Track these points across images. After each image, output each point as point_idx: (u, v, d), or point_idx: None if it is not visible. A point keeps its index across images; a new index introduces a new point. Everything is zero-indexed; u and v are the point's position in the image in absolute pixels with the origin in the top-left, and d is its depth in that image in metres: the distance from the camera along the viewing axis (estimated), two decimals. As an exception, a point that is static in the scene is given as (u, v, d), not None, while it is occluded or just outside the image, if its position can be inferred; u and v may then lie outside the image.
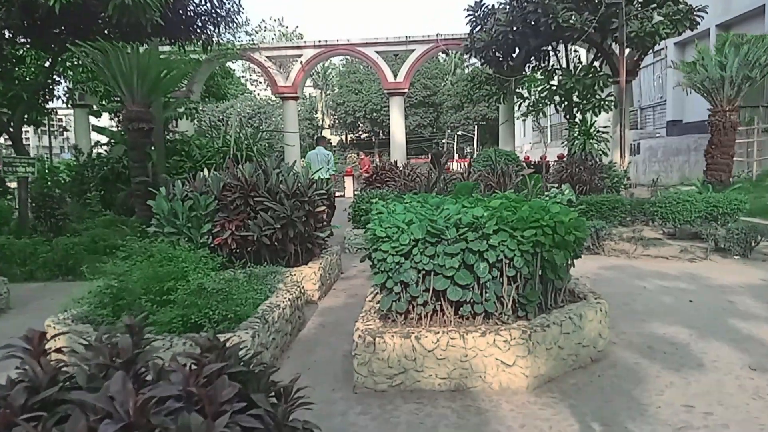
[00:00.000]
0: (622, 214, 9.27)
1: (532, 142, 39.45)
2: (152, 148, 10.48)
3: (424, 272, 3.78)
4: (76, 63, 16.24)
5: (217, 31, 12.63)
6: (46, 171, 13.56)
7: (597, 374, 3.87)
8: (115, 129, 16.65)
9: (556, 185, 9.88)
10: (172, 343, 3.68)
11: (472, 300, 3.77)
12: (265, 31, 50.35)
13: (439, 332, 3.63)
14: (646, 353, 4.25)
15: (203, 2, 11.94)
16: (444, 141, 52.41)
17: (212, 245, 6.10)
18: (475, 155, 40.87)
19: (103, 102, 19.06)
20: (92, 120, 21.08)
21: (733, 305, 5.52)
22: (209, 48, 13.16)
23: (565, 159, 16.51)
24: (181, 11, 11.54)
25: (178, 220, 6.09)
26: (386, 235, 3.85)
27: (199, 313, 3.86)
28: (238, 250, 6.21)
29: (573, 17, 13.81)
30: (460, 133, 51.14)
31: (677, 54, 22.38)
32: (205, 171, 7.01)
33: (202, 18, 12.14)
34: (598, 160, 12.16)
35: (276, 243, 6.21)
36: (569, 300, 4.34)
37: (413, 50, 20.36)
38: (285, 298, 4.74)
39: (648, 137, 23.41)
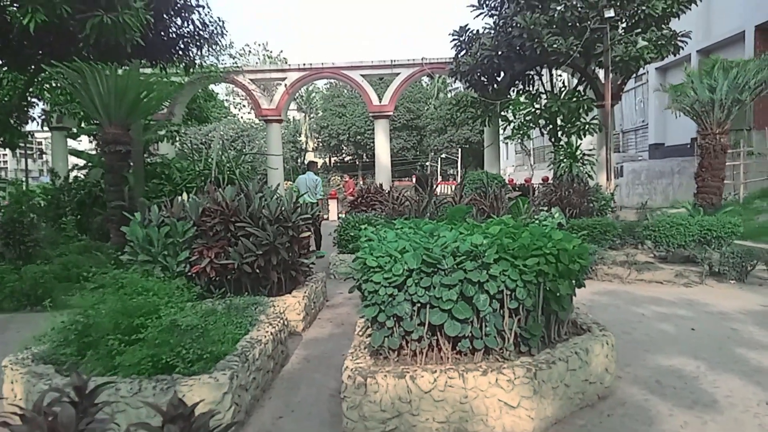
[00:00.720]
0: (614, 237, 9.09)
1: (515, 164, 39.56)
2: (130, 171, 10.12)
3: (419, 305, 3.49)
4: (54, 85, 15.87)
5: (200, 53, 12.38)
6: (21, 195, 13.09)
7: (606, 414, 3.58)
8: (93, 152, 16.23)
9: (545, 208, 9.69)
10: (140, 387, 3.33)
11: (471, 335, 3.48)
12: (249, 54, 50.30)
13: (436, 371, 3.32)
14: (654, 389, 3.97)
15: (186, 24, 11.70)
16: (428, 164, 52.45)
17: (190, 274, 5.76)
18: (458, 178, 40.87)
19: (83, 124, 18.63)
20: (72, 143, 20.63)
21: (736, 333, 5.29)
22: (192, 70, 12.91)
23: (550, 182, 16.44)
24: (162, 33, 11.29)
25: (154, 248, 5.74)
26: (378, 264, 3.56)
27: (171, 353, 3.51)
28: (217, 279, 5.87)
29: (558, 42, 13.82)
30: (443, 155, 51.26)
31: (659, 79, 22.62)
32: (184, 195, 6.69)
33: (185, 40, 11.90)
34: (584, 183, 12.03)
35: (258, 271, 5.88)
36: (572, 332, 4.07)
37: (398, 73, 20.30)
38: (267, 332, 4.41)
39: (631, 160, 23.53)
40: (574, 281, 3.74)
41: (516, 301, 3.51)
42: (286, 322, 5.02)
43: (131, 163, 9.65)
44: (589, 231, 8.54)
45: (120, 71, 9.04)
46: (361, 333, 4.10)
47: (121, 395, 3.38)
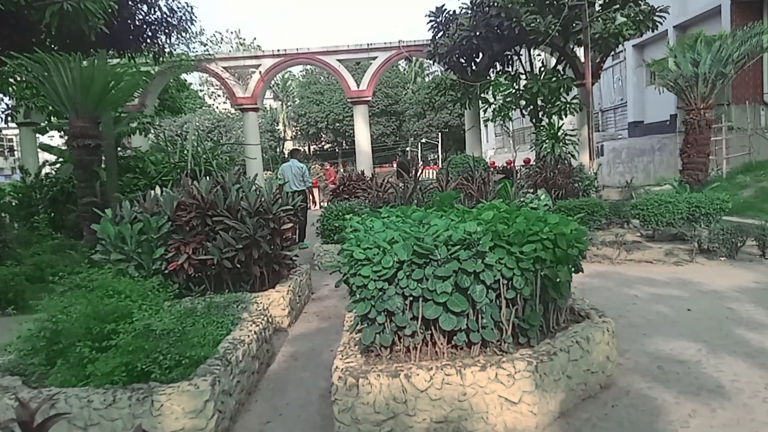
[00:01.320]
0: (601, 218, 8.97)
1: (495, 147, 39.49)
2: (101, 165, 9.73)
3: (411, 298, 3.28)
4: (19, 79, 15.26)
5: (168, 41, 11.93)
6: (-11, 194, 12.59)
7: (610, 405, 3.42)
8: (64, 147, 15.69)
9: (531, 190, 9.54)
10: (115, 398, 3.08)
11: (467, 327, 3.28)
12: (222, 43, 49.37)
13: (432, 368, 3.12)
14: (657, 376, 3.82)
15: (153, 11, 11.25)
16: (408, 149, 52.21)
17: (166, 272, 5.48)
18: (439, 163, 40.65)
19: (51, 119, 18.00)
20: (44, 138, 19.92)
21: (733, 312, 5.18)
22: (161, 59, 12.45)
23: (532, 163, 16.32)
24: (129, 20, 10.83)
25: (126, 245, 5.45)
26: (366, 257, 3.33)
27: (147, 359, 3.26)
28: (196, 276, 5.61)
29: (536, 21, 13.60)
30: (423, 140, 51.02)
31: (636, 56, 22.57)
32: (157, 189, 6.37)
33: (152, 27, 11.44)
34: (568, 163, 11.90)
35: (239, 266, 5.62)
36: (571, 320, 3.90)
37: (375, 57, 19.92)
38: (251, 330, 4.17)
39: (611, 139, 23.53)
40: (572, 266, 3.56)
41: (513, 290, 3.31)
42: (270, 319, 4.78)
43: (102, 157, 9.27)
44: (576, 212, 8.40)
45: (85, 62, 8.63)
46: (349, 329, 3.88)
47: (94, 407, 3.14)
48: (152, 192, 5.92)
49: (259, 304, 5.09)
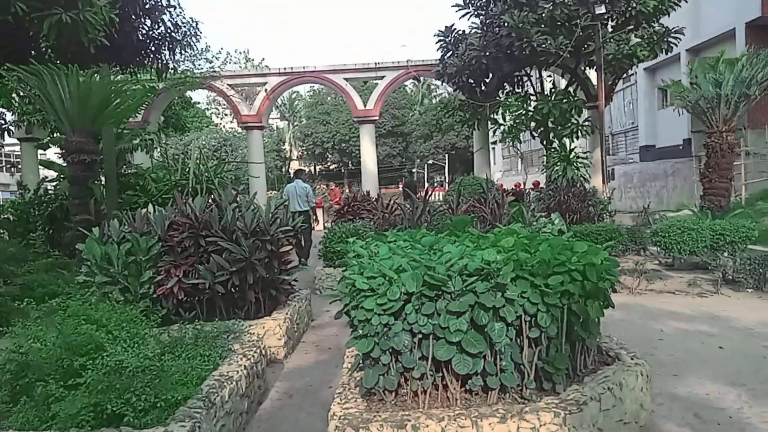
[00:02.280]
0: (619, 244, 8.55)
1: (503, 169, 39.18)
2: (97, 182, 9.41)
3: (420, 336, 2.87)
4: (22, 93, 15.10)
5: (172, 56, 11.69)
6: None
7: (647, 462, 2.98)
8: (65, 164, 15.43)
9: (544, 214, 9.13)
10: (77, 447, 2.67)
11: (484, 370, 2.87)
12: (230, 62, 49.54)
13: (443, 418, 2.70)
14: (695, 426, 3.38)
15: (156, 25, 11.02)
16: (414, 170, 51.97)
17: (155, 296, 5.09)
18: (446, 185, 40.31)
19: (54, 134, 17.80)
20: (50, 154, 19.76)
21: (771, 352, 4.73)
22: (165, 75, 12.22)
23: (542, 186, 15.93)
24: (132, 34, 10.59)
25: (113, 267, 5.06)
26: (370, 287, 2.93)
27: (118, 400, 2.85)
28: (187, 301, 5.21)
29: (547, 41, 13.33)
30: (430, 162, 50.78)
31: (647, 79, 22.30)
32: (150, 207, 6.01)
33: (156, 42, 11.21)
34: (581, 186, 11.51)
35: (233, 290, 5.23)
36: (599, 360, 3.47)
37: (383, 77, 19.70)
38: (241, 365, 3.75)
39: (622, 163, 23.15)
40: (603, 302, 3.14)
41: (537, 328, 2.90)
42: (263, 351, 4.37)
43: (99, 174, 8.96)
44: (593, 238, 7.98)
45: (83, 75, 8.36)
46: (350, 366, 3.46)
47: (55, 456, 2.73)
48: (142, 210, 5.55)
49: (252, 335, 4.69)
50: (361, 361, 3.01)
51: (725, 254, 7.51)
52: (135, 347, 3.32)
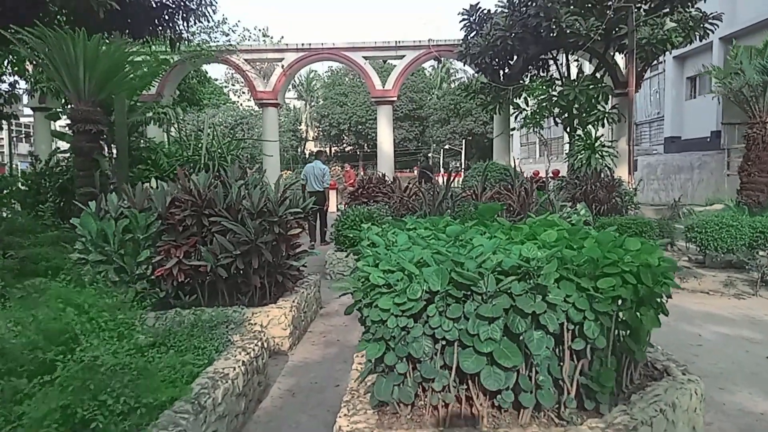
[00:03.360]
0: (651, 239, 8.04)
1: (521, 157, 38.45)
2: (104, 154, 9.08)
3: (444, 342, 2.46)
4: (35, 62, 14.79)
5: (186, 26, 11.25)
6: (-2, 181, 12.07)
7: (703, 498, 2.55)
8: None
9: (569, 204, 8.65)
10: (40, 458, 2.30)
11: (517, 385, 2.45)
12: (249, 40, 48.99)
13: (468, 440, 2.29)
14: (755, 454, 2.95)
15: (170, -8, 10.57)
16: (430, 155, 51.28)
17: (153, 277, 4.73)
18: (462, 170, 39.64)
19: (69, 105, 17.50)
20: (62, 125, 19.51)
21: (826, 365, 4.26)
22: (178, 45, 11.79)
23: (562, 175, 15.37)
24: (144, 1, 10.16)
25: (108, 245, 4.70)
26: (386, 282, 2.51)
27: (92, 402, 2.48)
28: (188, 283, 4.84)
29: (578, 22, 12.69)
30: (446, 147, 50.06)
31: (676, 68, 21.49)
32: (153, 182, 5.64)
33: (170, 10, 10.76)
34: (610, 176, 10.95)
35: (237, 274, 4.85)
36: (644, 374, 3.03)
37: (403, 56, 19.07)
38: (239, 360, 3.36)
39: (645, 154, 22.44)
40: (658, 310, 2.70)
41: (583, 339, 2.47)
42: (266, 344, 3.98)
43: (103, 145, 8.62)
44: (622, 231, 7.48)
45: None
46: (359, 369, 3.06)
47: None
48: (144, 184, 5.16)
49: (255, 324, 4.31)
50: (373, 368, 2.61)
51: (763, 253, 7.01)
52: (118, 339, 2.95)
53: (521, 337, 2.40)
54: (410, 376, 2.52)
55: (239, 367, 3.32)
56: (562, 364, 2.53)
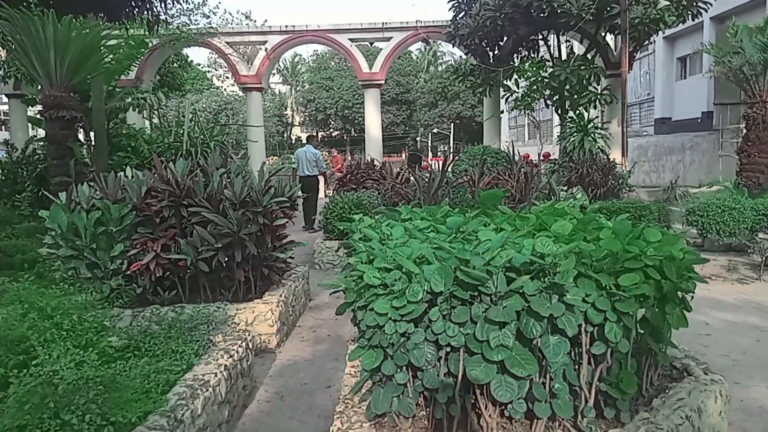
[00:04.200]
0: (648, 223, 7.82)
1: (509, 140, 38.20)
2: (78, 142, 8.69)
3: (449, 348, 2.19)
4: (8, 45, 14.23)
5: (164, 7, 10.81)
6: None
7: None
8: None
9: (564, 188, 8.40)
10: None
11: (531, 394, 2.19)
12: (231, 24, 48.07)
13: (477, 459, 2.03)
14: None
15: (147, -28, 10.13)
16: (418, 138, 50.93)
17: (128, 272, 4.42)
18: (450, 153, 39.34)
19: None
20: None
21: (841, 355, 4.07)
22: (156, 28, 11.35)
23: (553, 158, 15.14)
24: (119, -19, 9.73)
25: (79, 239, 4.37)
26: (382, 282, 2.24)
27: (52, 422, 2.19)
28: (167, 278, 4.54)
29: (569, 2, 12.37)
30: (434, 130, 49.69)
31: (666, 49, 21.25)
32: (128, 170, 5.29)
33: (146, -9, 10.33)
34: (606, 158, 10.70)
35: (219, 268, 4.56)
36: (663, 374, 2.80)
37: (390, 38, 18.62)
38: (221, 365, 3.08)
39: (636, 135, 22.25)
40: (683, 307, 2.45)
41: (603, 343, 2.21)
42: (251, 344, 3.70)
43: (78, 133, 8.22)
44: (622, 214, 7.25)
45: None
46: (352, 373, 2.79)
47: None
48: (115, 173, 4.83)
49: (239, 322, 4.03)
50: (368, 378, 2.34)
51: (764, 236, 6.82)
52: (84, 346, 2.65)
53: (534, 342, 2.13)
54: (410, 386, 2.26)
55: (221, 372, 3.04)
56: (577, 369, 2.28)
